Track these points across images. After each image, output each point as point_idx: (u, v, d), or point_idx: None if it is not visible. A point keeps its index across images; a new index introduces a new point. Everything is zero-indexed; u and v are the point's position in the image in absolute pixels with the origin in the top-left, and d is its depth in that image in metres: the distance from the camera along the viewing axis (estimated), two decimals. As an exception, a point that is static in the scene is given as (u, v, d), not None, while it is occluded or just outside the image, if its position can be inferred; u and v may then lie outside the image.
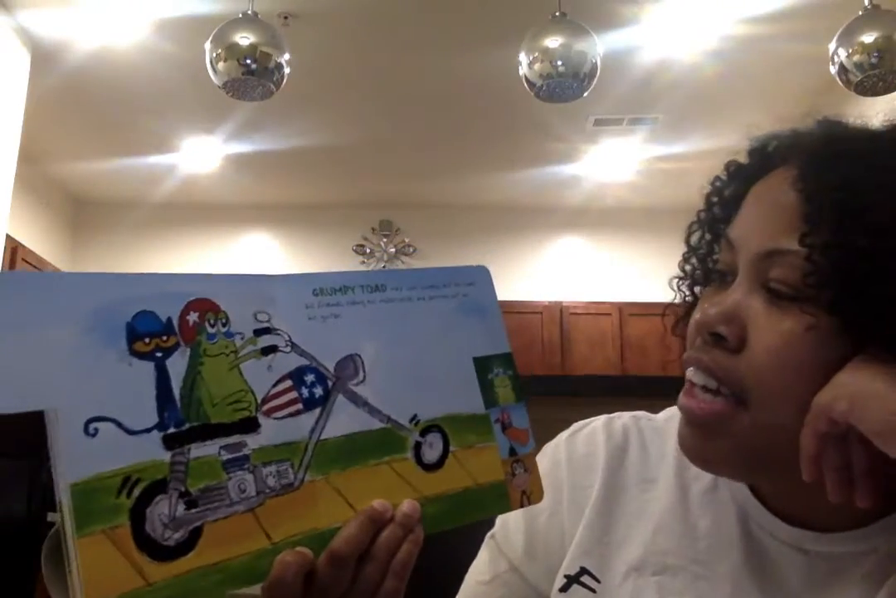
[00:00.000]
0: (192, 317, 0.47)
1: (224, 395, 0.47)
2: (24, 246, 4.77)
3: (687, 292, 0.66)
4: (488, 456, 0.56)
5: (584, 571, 0.63)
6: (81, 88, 4.53)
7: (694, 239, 0.66)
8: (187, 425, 0.46)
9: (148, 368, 0.45)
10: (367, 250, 6.33)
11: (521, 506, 0.57)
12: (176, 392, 0.46)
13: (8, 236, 4.33)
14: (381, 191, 6.11)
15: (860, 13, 3.02)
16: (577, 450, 0.70)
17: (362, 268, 6.24)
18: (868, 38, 2.92)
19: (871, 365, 0.50)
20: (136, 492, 0.43)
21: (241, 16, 3.13)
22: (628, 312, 5.71)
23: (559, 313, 5.80)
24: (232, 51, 3.00)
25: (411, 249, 6.33)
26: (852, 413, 0.48)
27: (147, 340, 0.45)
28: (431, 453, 0.54)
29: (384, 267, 6.23)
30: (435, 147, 5.33)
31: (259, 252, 6.30)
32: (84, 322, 0.44)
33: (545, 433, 0.72)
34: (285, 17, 3.80)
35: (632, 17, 3.83)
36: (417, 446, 0.53)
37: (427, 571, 0.63)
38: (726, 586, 0.59)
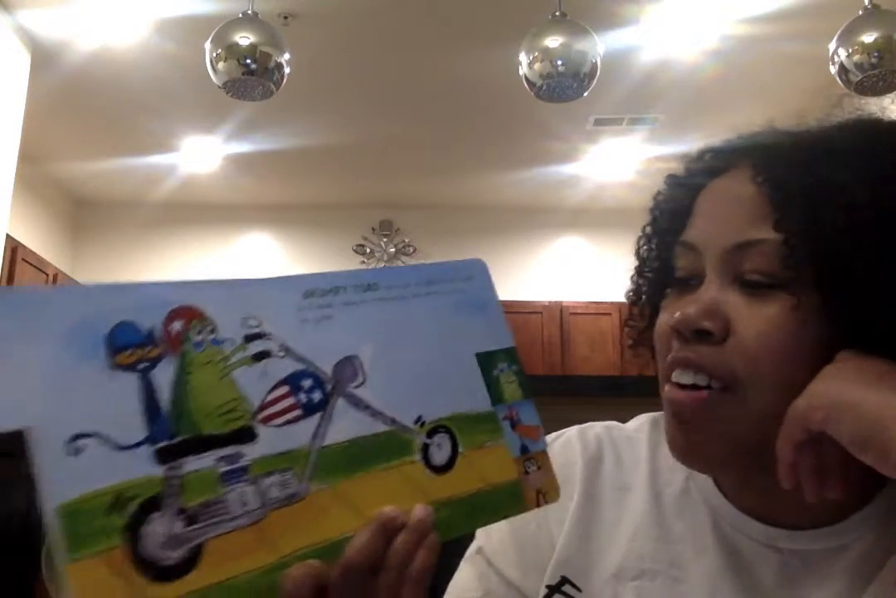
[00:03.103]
0: (176, 326, 0.45)
1: (216, 404, 0.45)
2: (24, 246, 4.77)
3: (646, 306, 0.66)
4: (499, 455, 0.54)
5: (564, 580, 0.63)
6: (81, 88, 4.53)
7: (644, 253, 0.66)
8: (179, 438, 0.43)
9: (131, 380, 0.43)
10: (367, 250, 6.33)
11: (538, 505, 0.55)
12: (164, 404, 0.43)
13: (8, 236, 4.33)
14: (381, 191, 6.12)
15: (860, 13, 3.02)
16: (554, 461, 0.69)
17: (363, 268, 6.24)
18: (868, 38, 2.92)
19: (849, 368, 0.51)
20: (130, 510, 0.41)
21: (241, 16, 3.13)
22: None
23: (559, 313, 5.80)
24: (232, 51, 3.00)
25: (411, 249, 6.33)
26: (828, 424, 0.49)
27: (129, 351, 0.43)
28: (440, 455, 0.52)
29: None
30: (435, 147, 5.33)
31: (259, 252, 6.30)
32: (60, 338, 0.41)
33: (544, 433, 0.72)
34: (285, 17, 3.80)
35: (632, 17, 3.83)
36: (425, 447, 0.51)
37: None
38: (703, 587, 0.60)
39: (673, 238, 0.62)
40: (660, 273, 0.64)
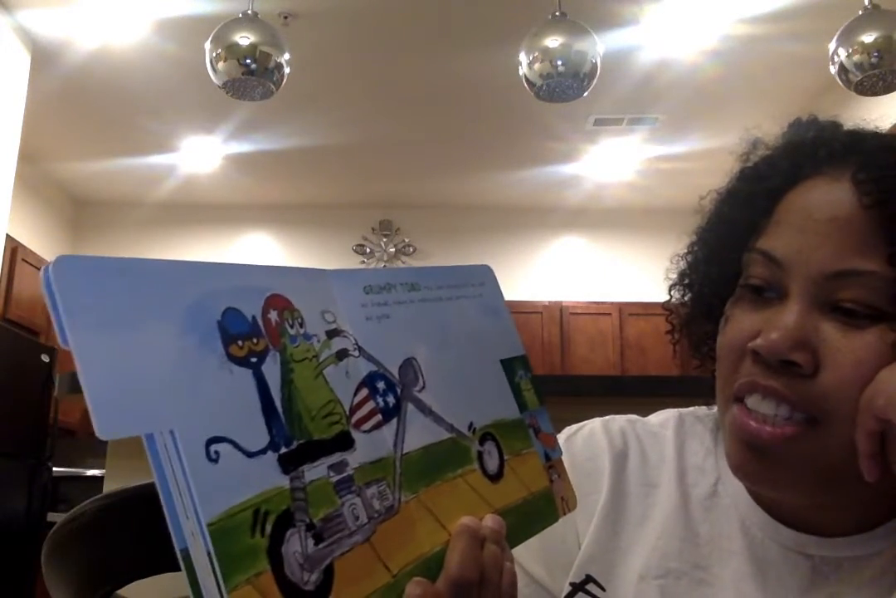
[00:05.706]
0: (273, 316, 0.41)
1: (318, 406, 0.41)
2: (24, 246, 4.77)
3: (696, 301, 0.64)
4: (533, 463, 0.53)
5: (589, 578, 0.63)
6: (81, 88, 4.53)
7: (705, 248, 0.63)
8: (296, 444, 0.39)
9: (247, 376, 0.38)
10: (367, 250, 6.33)
11: (563, 513, 0.54)
12: (278, 404, 0.39)
13: (8, 236, 4.33)
14: (381, 191, 6.11)
15: (860, 13, 3.01)
16: (579, 454, 0.68)
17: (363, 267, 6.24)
18: (868, 38, 2.91)
19: None
20: (269, 528, 0.36)
21: (241, 16, 3.12)
22: (628, 312, 5.72)
23: (559, 313, 5.80)
24: (232, 51, 2.99)
25: (411, 249, 6.33)
26: (888, 410, 0.48)
27: (240, 342, 0.39)
28: (492, 463, 0.50)
29: (384, 267, 6.23)
30: (435, 147, 5.32)
31: (259, 252, 6.30)
32: (181, 321, 0.37)
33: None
34: (285, 17, 3.80)
35: (632, 17, 3.83)
36: (479, 455, 0.49)
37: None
38: (730, 591, 0.59)
39: (744, 239, 0.58)
40: (722, 273, 0.60)
